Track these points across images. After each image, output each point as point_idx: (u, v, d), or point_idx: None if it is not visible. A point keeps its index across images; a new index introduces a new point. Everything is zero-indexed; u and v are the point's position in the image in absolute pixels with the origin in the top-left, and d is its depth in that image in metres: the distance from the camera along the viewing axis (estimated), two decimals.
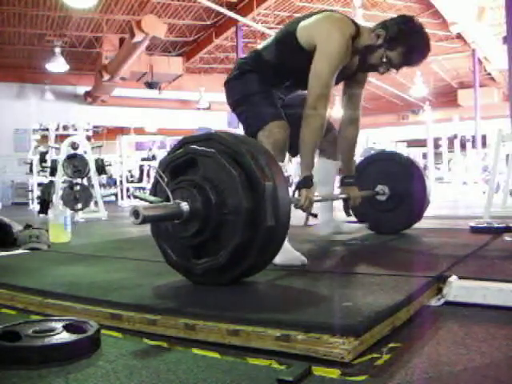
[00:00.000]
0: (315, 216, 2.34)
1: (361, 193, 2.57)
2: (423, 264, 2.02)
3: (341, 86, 2.46)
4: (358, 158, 7.76)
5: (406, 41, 2.12)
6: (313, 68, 2.08)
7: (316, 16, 2.16)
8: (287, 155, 2.33)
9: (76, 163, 6.16)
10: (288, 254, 1.96)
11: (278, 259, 1.85)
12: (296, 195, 2.11)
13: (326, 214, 2.64)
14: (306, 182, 2.11)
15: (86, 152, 6.43)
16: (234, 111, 2.35)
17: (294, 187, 2.18)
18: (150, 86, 14.99)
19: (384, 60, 2.16)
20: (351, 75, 2.37)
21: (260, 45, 2.36)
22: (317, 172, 2.66)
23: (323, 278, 1.82)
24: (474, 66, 15.54)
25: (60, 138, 8.63)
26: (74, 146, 6.26)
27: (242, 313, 1.33)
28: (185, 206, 1.57)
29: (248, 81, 2.25)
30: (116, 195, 11.50)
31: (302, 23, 2.16)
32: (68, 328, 1.23)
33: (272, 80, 2.27)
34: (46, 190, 6.63)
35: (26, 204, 10.88)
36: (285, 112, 2.24)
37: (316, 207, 2.59)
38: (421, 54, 2.18)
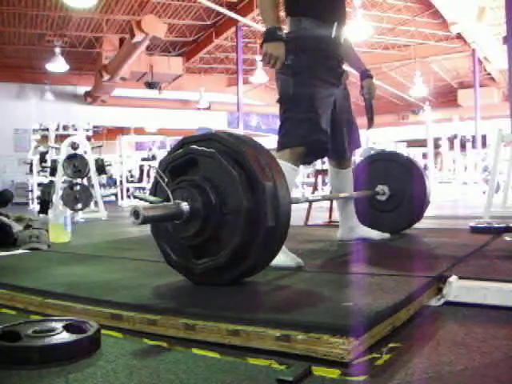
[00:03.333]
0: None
1: (372, 80, 2.61)
2: (423, 264, 2.02)
3: None
4: (357, 158, 7.78)
5: None
6: None
7: None
8: None
9: (76, 163, 6.16)
10: (283, 255, 1.94)
11: (274, 261, 1.84)
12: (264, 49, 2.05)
13: (349, 219, 2.64)
14: (266, 35, 2.05)
15: (86, 152, 6.44)
16: (279, 105, 2.30)
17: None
18: (150, 85, 14.99)
19: None
20: None
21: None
22: (331, 181, 2.69)
23: (323, 278, 1.82)
24: (474, 66, 15.54)
25: (60, 138, 8.63)
26: (74, 146, 6.26)
27: (241, 313, 1.33)
28: (185, 206, 1.57)
29: (298, 83, 2.19)
30: (116, 195, 11.50)
31: None
32: (68, 328, 1.23)
33: (317, 52, 2.21)
34: (46, 190, 6.63)
35: (26, 204, 10.87)
36: (333, 117, 2.29)
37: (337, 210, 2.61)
38: None
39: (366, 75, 2.59)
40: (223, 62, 17.07)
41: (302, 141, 2.18)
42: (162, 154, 10.45)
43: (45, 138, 9.78)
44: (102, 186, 9.65)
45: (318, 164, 10.47)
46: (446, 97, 19.28)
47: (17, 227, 3.43)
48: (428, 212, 3.05)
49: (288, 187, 1.64)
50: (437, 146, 13.03)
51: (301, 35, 2.22)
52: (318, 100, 2.20)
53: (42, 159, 8.33)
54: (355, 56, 2.60)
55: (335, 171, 2.61)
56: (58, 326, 1.24)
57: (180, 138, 1.82)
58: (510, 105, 6.04)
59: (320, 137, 2.21)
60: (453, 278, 1.60)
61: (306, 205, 4.21)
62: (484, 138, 14.74)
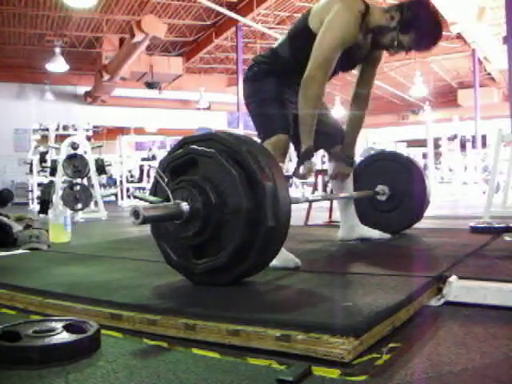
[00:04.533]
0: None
1: (345, 169, 2.56)
2: (423, 264, 2.02)
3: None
4: (358, 157, 7.79)
5: (420, 27, 2.13)
6: (317, 40, 2.10)
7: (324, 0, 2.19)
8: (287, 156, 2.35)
9: (76, 163, 6.16)
10: (282, 256, 1.94)
11: (273, 261, 1.84)
12: (301, 169, 2.16)
13: (350, 219, 2.64)
14: (307, 155, 2.16)
15: (86, 152, 6.43)
16: (248, 110, 2.39)
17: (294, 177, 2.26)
18: (150, 86, 14.99)
19: (395, 43, 2.19)
20: (366, 57, 2.38)
21: (275, 44, 2.38)
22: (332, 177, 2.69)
23: (323, 278, 1.82)
24: (474, 66, 15.53)
25: (60, 138, 8.63)
26: (74, 146, 6.26)
27: (242, 313, 1.33)
28: (185, 206, 1.57)
29: (266, 85, 2.27)
30: (116, 195, 11.49)
31: (313, 10, 2.20)
32: (68, 328, 1.23)
33: (289, 78, 2.28)
34: (46, 190, 6.63)
35: (26, 204, 10.87)
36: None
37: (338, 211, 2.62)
38: (432, 40, 2.20)
39: (348, 161, 2.54)
40: (223, 61, 17.06)
41: (277, 130, 2.21)
42: (162, 154, 10.45)
43: (45, 138, 9.77)
44: (101, 186, 9.65)
45: (318, 164, 10.51)
46: (446, 97, 19.28)
47: (17, 227, 3.43)
48: (428, 212, 3.05)
49: (288, 187, 1.65)
50: (437, 146, 13.03)
51: (277, 56, 2.30)
52: (280, 97, 2.26)
53: (42, 159, 8.33)
54: (353, 138, 2.57)
55: (330, 166, 2.62)
56: (58, 326, 1.24)
57: (180, 138, 1.82)
58: (510, 105, 6.04)
59: (288, 130, 2.25)
60: (453, 278, 1.60)
61: (306, 205, 4.21)
62: (484, 138, 14.73)
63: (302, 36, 2.21)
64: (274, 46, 2.36)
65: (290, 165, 11.17)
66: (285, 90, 2.29)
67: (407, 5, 2.17)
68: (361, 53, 2.30)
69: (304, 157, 2.18)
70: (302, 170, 2.17)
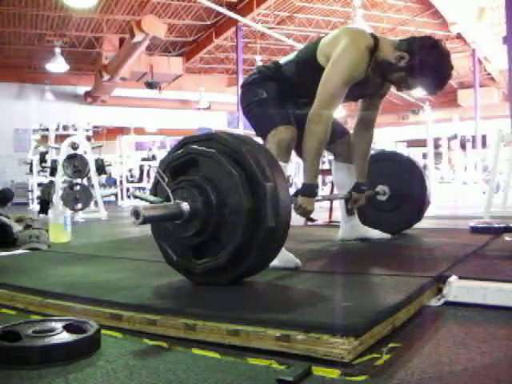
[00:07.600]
0: (311, 220, 2.33)
1: (363, 195, 2.57)
2: (423, 264, 2.02)
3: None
4: None
5: (428, 74, 2.10)
6: (323, 75, 2.09)
7: (332, 33, 2.18)
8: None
9: (76, 163, 6.17)
10: (282, 256, 1.93)
11: (273, 261, 1.84)
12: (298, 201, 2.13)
13: (350, 219, 2.64)
14: (304, 190, 2.13)
15: (86, 152, 6.44)
16: (247, 114, 2.35)
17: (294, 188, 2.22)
18: (150, 86, 14.98)
19: (402, 84, 2.18)
20: (376, 90, 2.38)
21: (281, 59, 2.37)
22: (333, 176, 2.69)
23: (323, 278, 1.82)
24: (474, 66, 15.54)
25: (60, 138, 8.63)
26: (74, 146, 6.26)
27: (241, 313, 1.33)
28: (185, 206, 1.57)
29: (266, 87, 2.26)
30: (116, 195, 11.49)
31: (321, 43, 2.19)
32: (68, 328, 1.23)
33: (290, 93, 2.29)
34: (46, 189, 6.63)
35: (26, 204, 10.87)
36: (299, 113, 2.27)
37: (338, 210, 2.63)
38: (440, 86, 2.16)
39: (358, 189, 2.54)
40: (223, 61, 17.06)
41: (278, 123, 2.16)
42: (161, 154, 10.45)
43: (45, 138, 9.78)
44: (101, 185, 9.64)
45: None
46: (446, 97, 19.26)
47: (17, 227, 3.43)
48: (428, 212, 3.05)
49: (288, 187, 1.65)
50: (437, 146, 13.04)
51: (281, 71, 2.30)
52: (280, 97, 2.26)
53: (42, 159, 8.32)
54: (363, 165, 2.58)
55: (334, 164, 2.64)
56: (58, 325, 1.24)
57: (180, 138, 1.82)
58: (510, 105, 6.05)
59: (290, 122, 2.22)
60: (453, 278, 1.60)
61: None
62: (484, 138, 14.73)
63: (309, 67, 2.20)
64: (280, 61, 2.35)
65: (289, 165, 11.18)
66: (285, 98, 2.28)
67: (418, 46, 2.09)
68: (371, 86, 2.28)
69: (299, 191, 2.14)
70: (299, 201, 2.12)
